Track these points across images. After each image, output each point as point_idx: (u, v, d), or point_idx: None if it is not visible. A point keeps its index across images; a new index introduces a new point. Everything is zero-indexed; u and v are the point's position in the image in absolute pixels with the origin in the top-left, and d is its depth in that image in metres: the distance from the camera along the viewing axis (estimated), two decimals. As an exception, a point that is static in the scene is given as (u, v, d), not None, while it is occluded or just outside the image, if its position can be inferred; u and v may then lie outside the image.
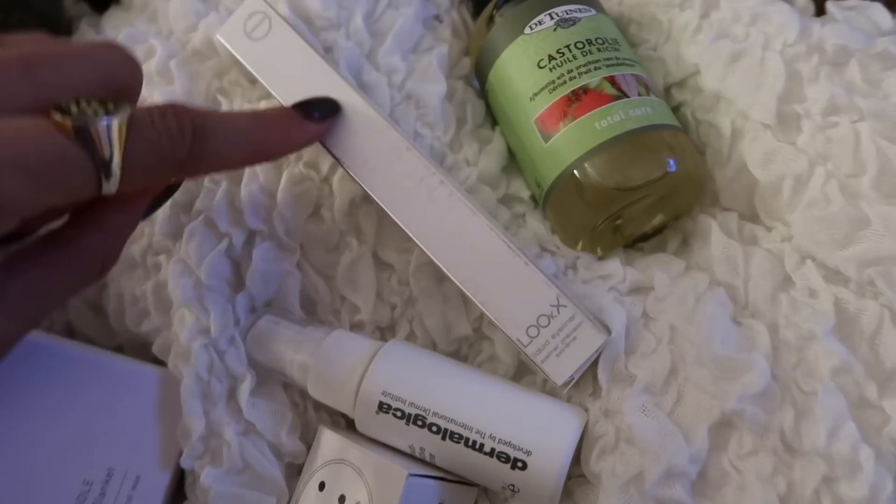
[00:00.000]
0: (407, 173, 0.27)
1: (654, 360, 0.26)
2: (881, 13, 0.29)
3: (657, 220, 0.32)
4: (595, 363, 0.26)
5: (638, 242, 0.33)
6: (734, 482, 0.24)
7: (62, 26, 0.37)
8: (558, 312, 0.26)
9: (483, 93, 0.34)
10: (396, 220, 0.27)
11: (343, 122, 0.28)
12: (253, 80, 0.31)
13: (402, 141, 0.28)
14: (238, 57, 0.30)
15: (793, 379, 0.24)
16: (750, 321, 0.26)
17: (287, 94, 0.29)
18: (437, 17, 0.36)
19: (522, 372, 0.29)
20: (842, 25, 0.29)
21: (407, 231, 0.27)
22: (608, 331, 0.26)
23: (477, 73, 0.34)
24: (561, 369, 0.25)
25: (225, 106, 0.31)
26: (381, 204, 0.28)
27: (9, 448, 0.26)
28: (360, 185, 0.28)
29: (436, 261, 0.27)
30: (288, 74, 0.29)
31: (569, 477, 0.26)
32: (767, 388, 0.24)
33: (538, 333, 0.26)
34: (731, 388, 0.24)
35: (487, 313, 0.26)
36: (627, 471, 0.24)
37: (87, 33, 0.37)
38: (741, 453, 0.24)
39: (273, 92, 0.29)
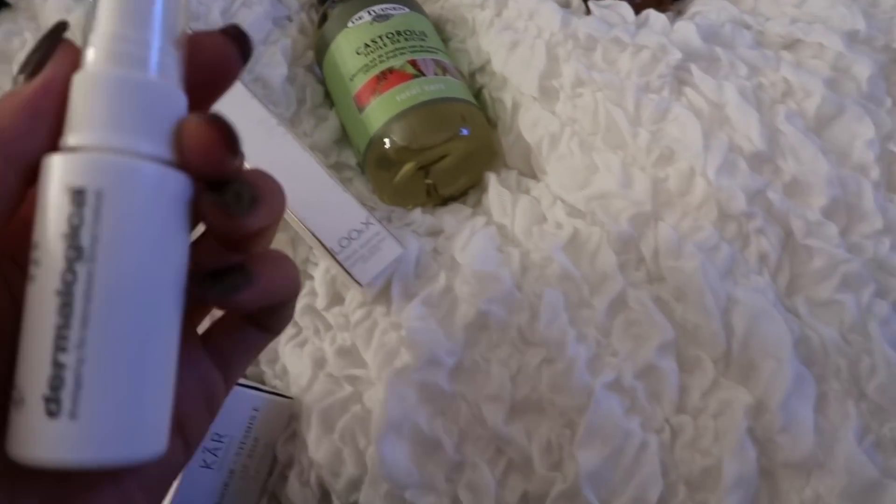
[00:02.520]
0: (250, 116, 0.33)
1: (433, 281, 0.32)
2: (627, 10, 0.37)
3: (461, 181, 0.38)
4: (388, 287, 0.32)
5: (449, 202, 0.39)
6: (482, 369, 0.30)
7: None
8: (367, 229, 0.32)
9: (322, 79, 0.40)
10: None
11: None
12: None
13: (246, 92, 0.34)
14: None
15: (532, 289, 0.31)
16: (509, 248, 0.32)
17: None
18: (289, 18, 0.43)
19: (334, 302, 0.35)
20: (594, 20, 0.36)
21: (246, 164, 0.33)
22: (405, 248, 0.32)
23: (317, 63, 0.41)
24: (365, 272, 0.31)
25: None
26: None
27: None
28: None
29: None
30: None
31: (357, 378, 0.32)
32: (509, 293, 0.30)
33: (349, 244, 0.31)
34: (482, 295, 0.30)
35: (308, 227, 0.32)
36: (399, 365, 0.30)
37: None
38: (489, 346, 0.30)
39: None
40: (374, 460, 0.29)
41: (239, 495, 0.31)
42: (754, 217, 0.29)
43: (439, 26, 0.41)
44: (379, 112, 0.35)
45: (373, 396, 0.31)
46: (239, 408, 0.31)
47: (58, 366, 0.16)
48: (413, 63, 0.36)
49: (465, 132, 0.35)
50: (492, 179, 0.35)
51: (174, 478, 0.22)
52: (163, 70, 0.18)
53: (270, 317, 0.22)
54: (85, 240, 0.16)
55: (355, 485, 0.30)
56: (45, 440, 0.16)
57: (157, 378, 0.18)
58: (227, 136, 0.18)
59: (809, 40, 0.34)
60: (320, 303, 0.34)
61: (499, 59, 0.37)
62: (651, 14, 0.36)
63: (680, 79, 0.33)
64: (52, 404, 0.16)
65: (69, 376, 0.16)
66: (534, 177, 0.37)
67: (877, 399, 0.27)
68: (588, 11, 0.39)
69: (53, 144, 0.18)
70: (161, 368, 0.18)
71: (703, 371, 0.28)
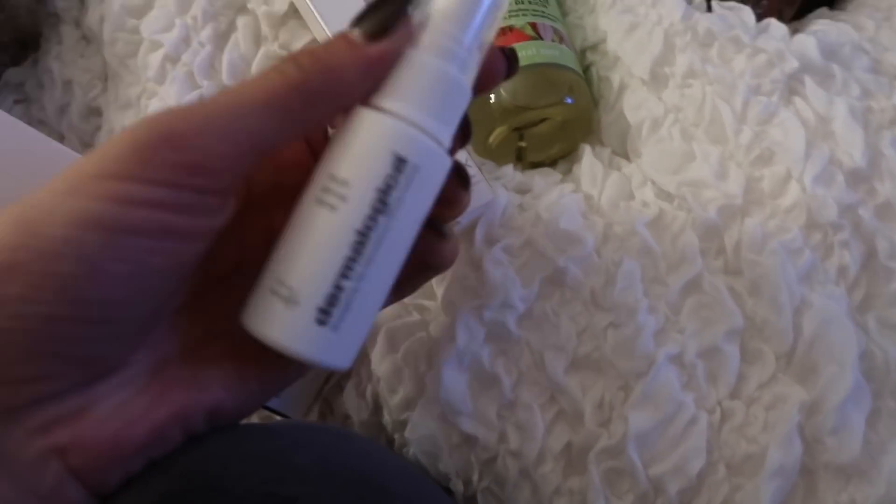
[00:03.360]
0: None
1: (516, 232, 0.33)
2: (748, 14, 0.37)
3: (553, 149, 0.39)
4: (473, 228, 0.34)
5: (535, 168, 0.41)
6: (550, 321, 0.31)
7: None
8: None
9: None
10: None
11: None
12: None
13: None
14: None
15: (611, 257, 0.32)
16: (594, 216, 0.34)
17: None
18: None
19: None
20: (715, 17, 0.37)
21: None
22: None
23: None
24: None
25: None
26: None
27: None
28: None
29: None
30: None
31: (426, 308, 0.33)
32: (588, 256, 0.32)
33: None
34: (562, 253, 0.32)
35: None
36: (473, 302, 0.31)
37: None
38: (561, 302, 0.31)
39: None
40: (433, 382, 0.30)
41: (297, 391, 0.33)
42: (842, 229, 0.30)
43: (559, 0, 0.42)
44: (492, 66, 0.36)
45: (440, 326, 0.32)
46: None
47: (338, 288, 0.20)
48: (533, 25, 0.37)
49: (569, 101, 0.37)
50: (586, 150, 0.37)
51: (283, 388, 0.25)
52: (466, 70, 0.22)
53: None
54: (392, 199, 0.20)
55: (408, 404, 0.32)
56: (307, 340, 0.20)
57: (375, 315, 0.22)
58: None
59: (925, 76, 0.35)
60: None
61: (615, 38, 0.38)
62: (773, 22, 0.37)
63: (792, 88, 0.34)
64: (324, 315, 0.20)
65: (344, 299, 0.20)
66: (626, 157, 0.38)
67: (928, 424, 0.28)
68: (709, 9, 0.40)
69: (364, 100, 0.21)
70: (379, 308, 0.22)
71: (763, 363, 0.29)
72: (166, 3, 0.38)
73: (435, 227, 0.24)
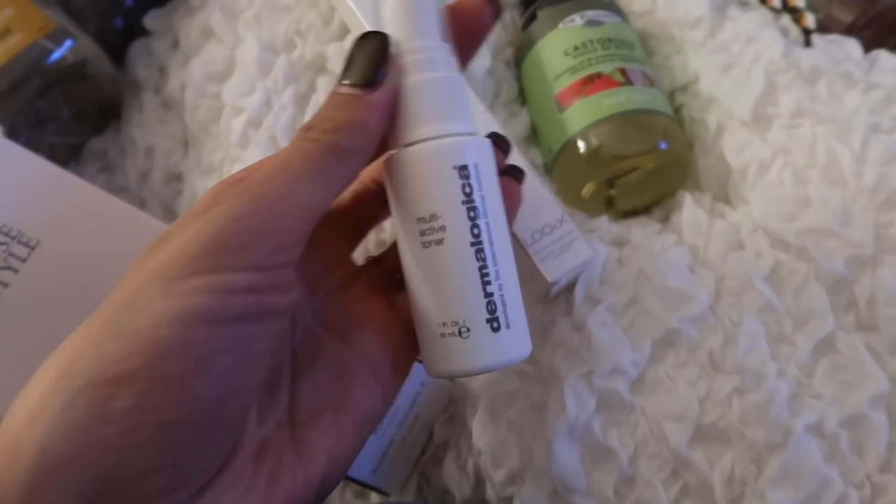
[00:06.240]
0: None
1: (618, 290, 0.31)
2: (854, 46, 0.35)
3: (646, 196, 0.37)
4: (572, 287, 0.32)
5: (628, 216, 0.39)
6: (665, 386, 0.29)
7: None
8: (560, 226, 0.31)
9: (518, 77, 0.41)
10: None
11: None
12: (328, 21, 0.38)
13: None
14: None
15: (727, 314, 0.30)
16: (702, 269, 0.31)
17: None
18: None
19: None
20: (818, 51, 0.35)
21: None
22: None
23: (515, 60, 0.41)
24: (555, 269, 0.31)
25: (300, 46, 0.38)
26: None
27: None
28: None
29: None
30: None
31: (526, 373, 0.31)
32: (703, 315, 0.29)
33: (541, 238, 0.31)
34: (674, 312, 0.30)
35: None
36: (582, 368, 0.29)
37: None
38: (676, 365, 0.29)
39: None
40: (544, 456, 0.28)
41: (394, 466, 0.32)
42: None
43: (642, 41, 0.41)
44: (581, 114, 0.35)
45: (542, 393, 0.30)
46: (409, 380, 0.31)
47: (489, 294, 0.22)
48: (622, 71, 0.36)
49: (663, 146, 0.35)
50: (687, 199, 0.34)
51: (375, 425, 0.23)
52: (449, 61, 0.23)
53: None
54: (477, 201, 0.22)
55: (514, 478, 0.30)
56: (495, 350, 0.22)
57: (519, 293, 0.23)
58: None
59: None
60: (494, 293, 0.34)
61: (709, 78, 0.36)
62: (881, 54, 0.35)
63: (914, 123, 0.32)
64: (494, 321, 0.22)
65: (498, 299, 0.22)
66: (728, 202, 0.35)
67: None
68: (808, 43, 0.37)
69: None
70: (518, 284, 0.23)
71: (916, 432, 0.26)
72: (247, 68, 0.38)
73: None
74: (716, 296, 0.30)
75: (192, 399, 0.17)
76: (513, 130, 0.39)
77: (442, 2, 0.24)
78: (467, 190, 0.22)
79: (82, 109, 0.42)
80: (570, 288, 0.32)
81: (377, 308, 0.25)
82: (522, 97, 0.41)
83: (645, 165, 0.35)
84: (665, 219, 0.37)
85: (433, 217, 0.22)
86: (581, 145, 0.35)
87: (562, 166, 0.36)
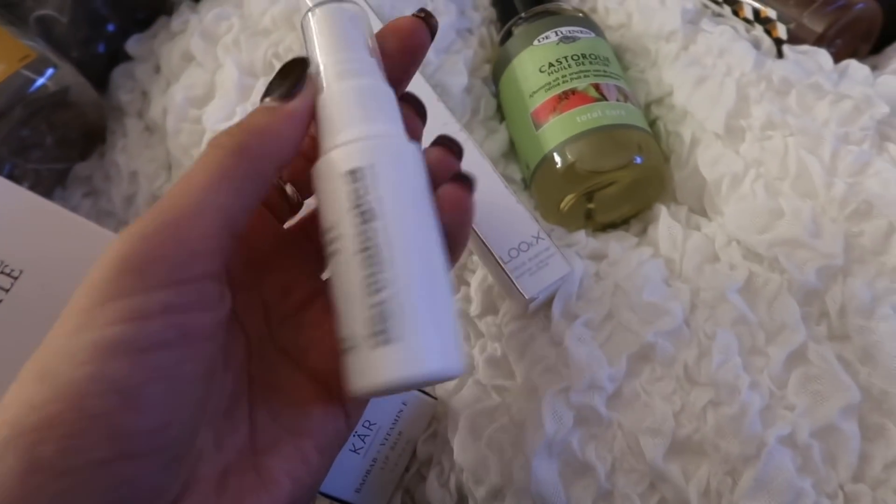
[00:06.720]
0: (436, 118, 0.34)
1: (595, 305, 0.32)
2: (825, 57, 0.35)
3: (624, 209, 0.38)
4: (550, 302, 0.32)
5: (606, 229, 0.39)
6: (642, 400, 0.29)
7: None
8: (537, 243, 0.32)
9: (496, 93, 0.41)
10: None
11: None
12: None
13: (432, 94, 0.35)
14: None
15: (702, 328, 0.30)
16: (678, 283, 0.32)
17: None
18: (469, 31, 0.44)
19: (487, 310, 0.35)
20: (789, 63, 0.35)
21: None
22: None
23: (493, 77, 0.41)
24: (531, 286, 0.31)
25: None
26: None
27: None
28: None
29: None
30: None
31: (507, 389, 0.32)
32: (678, 329, 0.30)
33: (518, 255, 0.32)
34: (650, 327, 0.30)
35: (478, 233, 0.32)
36: (559, 384, 0.30)
37: (185, 13, 0.46)
38: (651, 379, 0.29)
39: None
40: (523, 472, 0.28)
41: (377, 484, 0.32)
42: (960, 286, 0.28)
43: (618, 55, 0.41)
44: (557, 131, 0.35)
45: (522, 409, 0.31)
46: (390, 399, 0.32)
47: (374, 305, 0.19)
48: (596, 87, 0.36)
49: (638, 160, 0.35)
50: (662, 212, 0.35)
51: (341, 446, 0.24)
52: (371, 71, 0.23)
53: None
54: (370, 203, 0.20)
55: (495, 495, 0.30)
56: (377, 367, 0.19)
57: (446, 305, 0.20)
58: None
59: None
60: (474, 310, 0.34)
61: (683, 92, 0.37)
62: (852, 63, 0.35)
63: (883, 134, 0.32)
64: (381, 335, 0.19)
65: (389, 310, 0.19)
66: (704, 214, 0.36)
67: None
68: (780, 54, 0.38)
69: (298, 151, 0.22)
70: (447, 297, 0.21)
71: (887, 441, 0.26)
72: (227, 93, 0.38)
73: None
74: (691, 309, 0.31)
75: (121, 435, 0.17)
76: (491, 147, 0.39)
77: (366, 21, 0.24)
78: (359, 193, 0.20)
79: (66, 136, 0.43)
80: (548, 303, 0.33)
81: (333, 329, 0.24)
82: (501, 113, 0.41)
83: (622, 180, 0.35)
84: (643, 231, 0.37)
85: (331, 228, 0.21)
86: (557, 161, 0.35)
87: (540, 182, 0.37)
